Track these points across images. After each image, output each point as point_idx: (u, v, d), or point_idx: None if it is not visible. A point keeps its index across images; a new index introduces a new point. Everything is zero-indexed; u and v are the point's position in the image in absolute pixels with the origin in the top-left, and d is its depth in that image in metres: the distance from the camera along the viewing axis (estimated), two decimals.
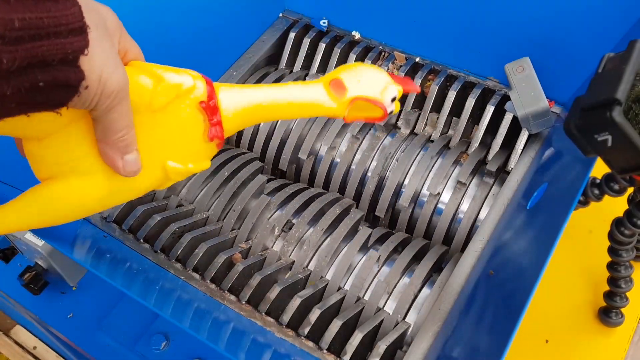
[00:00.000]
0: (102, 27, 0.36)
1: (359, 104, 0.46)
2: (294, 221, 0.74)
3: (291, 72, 0.92)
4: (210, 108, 0.43)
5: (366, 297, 0.69)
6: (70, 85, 0.34)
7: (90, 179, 0.41)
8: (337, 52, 0.88)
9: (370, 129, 0.83)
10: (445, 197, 0.76)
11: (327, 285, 0.69)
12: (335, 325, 0.62)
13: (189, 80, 0.42)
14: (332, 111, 0.46)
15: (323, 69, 0.90)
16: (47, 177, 0.41)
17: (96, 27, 0.35)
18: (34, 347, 0.99)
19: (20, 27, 0.31)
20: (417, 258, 0.71)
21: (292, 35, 0.91)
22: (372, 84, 0.46)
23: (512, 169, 0.75)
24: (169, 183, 0.45)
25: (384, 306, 0.67)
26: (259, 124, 0.87)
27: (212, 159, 0.47)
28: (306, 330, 0.62)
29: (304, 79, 0.90)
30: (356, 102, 0.45)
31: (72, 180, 0.41)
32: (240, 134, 0.89)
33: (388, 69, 0.85)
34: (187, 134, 0.43)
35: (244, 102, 0.44)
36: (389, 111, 0.46)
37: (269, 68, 0.93)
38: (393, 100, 0.46)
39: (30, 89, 0.33)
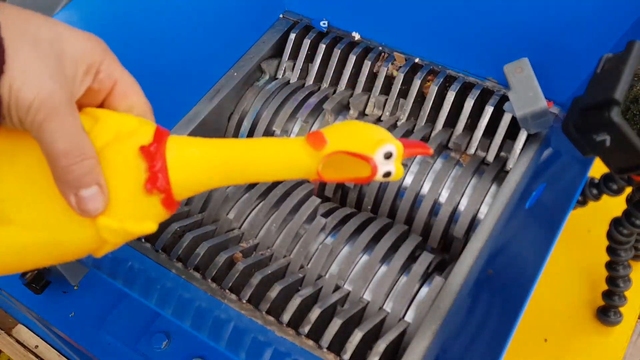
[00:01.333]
0: (30, 42, 0.33)
1: (340, 160, 0.37)
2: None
3: (294, 66, 0.92)
4: (151, 153, 0.36)
5: (366, 296, 0.69)
6: None
7: (11, 229, 0.35)
8: (337, 53, 0.88)
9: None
10: (444, 196, 0.76)
11: (327, 284, 0.70)
12: (336, 324, 0.62)
13: (132, 122, 0.36)
14: (306, 168, 0.38)
15: (323, 69, 0.90)
16: None
17: (22, 41, 0.32)
18: (36, 346, 1.00)
19: None
20: (415, 256, 0.71)
21: (292, 36, 0.92)
22: (360, 138, 0.37)
23: (510, 169, 0.75)
24: (105, 247, 0.39)
25: (383, 305, 0.68)
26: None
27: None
28: (306, 329, 0.63)
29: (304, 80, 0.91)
30: (335, 156, 0.37)
31: None
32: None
33: (388, 69, 0.86)
34: (124, 185, 0.36)
35: (198, 156, 0.38)
36: (380, 171, 0.37)
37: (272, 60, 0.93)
38: (388, 157, 0.37)
39: None
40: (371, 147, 0.37)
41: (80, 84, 0.36)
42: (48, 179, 0.35)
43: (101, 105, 0.40)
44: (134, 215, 0.37)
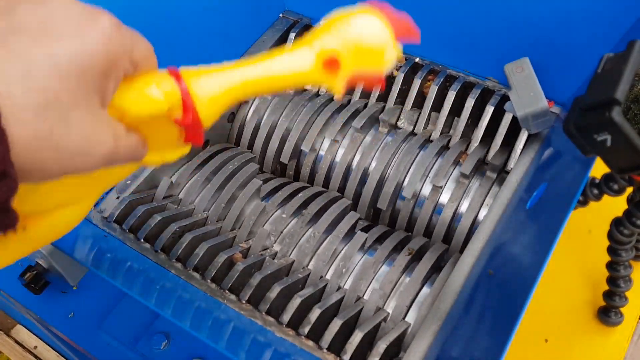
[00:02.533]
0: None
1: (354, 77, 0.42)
2: (291, 222, 0.75)
3: None
4: (185, 125, 0.38)
5: (366, 297, 0.69)
6: (4, 228, 0.29)
7: (78, 207, 0.40)
8: None
9: (371, 129, 0.83)
10: (445, 196, 0.76)
11: (327, 284, 0.70)
12: (335, 325, 0.62)
13: (158, 95, 0.37)
14: (322, 83, 0.42)
15: None
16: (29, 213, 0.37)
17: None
18: (35, 347, 0.99)
19: None
20: (417, 257, 0.71)
21: (292, 35, 0.91)
22: (370, 54, 0.42)
23: (511, 169, 0.75)
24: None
25: (384, 305, 0.68)
26: (261, 121, 0.87)
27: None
28: (306, 330, 0.62)
29: None
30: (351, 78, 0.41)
31: (60, 213, 0.39)
32: (241, 131, 0.89)
33: None
34: (161, 136, 0.39)
35: (220, 88, 0.39)
36: (386, 72, 0.43)
37: None
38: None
39: None
40: (381, 61, 0.43)
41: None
42: None
43: None
44: (172, 151, 0.42)
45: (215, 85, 0.40)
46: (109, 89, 0.33)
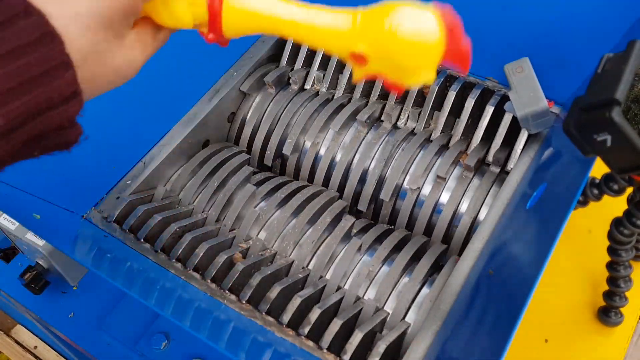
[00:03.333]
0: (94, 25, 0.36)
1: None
2: (292, 222, 0.75)
3: (292, 69, 0.92)
4: (209, 38, 0.45)
5: (366, 297, 0.69)
6: (70, 142, 0.36)
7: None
8: None
9: (371, 128, 0.83)
10: (445, 196, 0.76)
11: (327, 285, 0.70)
12: (336, 325, 0.62)
13: (189, 22, 0.44)
14: (345, 59, 0.42)
15: (323, 69, 0.90)
16: None
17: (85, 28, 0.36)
18: (35, 347, 0.99)
19: (17, 114, 0.32)
20: (417, 257, 0.71)
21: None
22: (402, 71, 0.41)
23: (511, 169, 0.75)
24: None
25: (384, 306, 0.68)
26: (262, 119, 0.87)
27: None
28: (306, 330, 0.62)
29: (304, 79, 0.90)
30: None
31: None
32: (241, 130, 0.89)
33: None
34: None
35: (256, 9, 0.42)
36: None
37: (270, 65, 0.93)
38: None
39: (32, 154, 0.35)
40: (411, 79, 0.42)
41: None
42: None
43: None
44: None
45: (253, 4, 0.42)
46: (132, 20, 0.40)
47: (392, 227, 0.79)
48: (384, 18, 0.40)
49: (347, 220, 0.74)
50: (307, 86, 0.91)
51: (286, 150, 0.84)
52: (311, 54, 0.91)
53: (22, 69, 0.31)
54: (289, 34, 0.43)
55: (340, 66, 0.88)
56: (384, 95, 0.86)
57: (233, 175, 0.79)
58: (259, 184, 0.79)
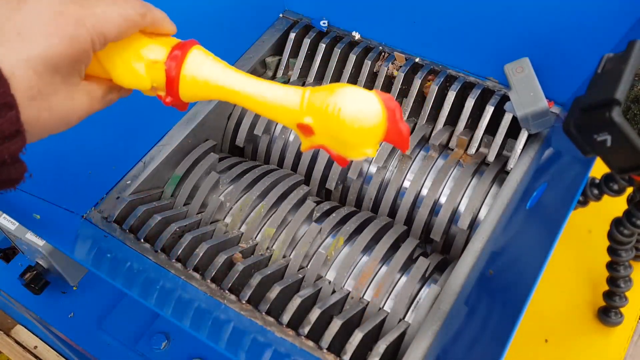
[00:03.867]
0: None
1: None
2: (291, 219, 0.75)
3: (294, 64, 0.92)
4: (170, 103, 0.45)
5: (366, 297, 0.69)
6: (14, 180, 0.37)
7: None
8: (337, 52, 0.88)
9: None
10: (445, 196, 0.76)
11: (327, 285, 0.70)
12: (335, 325, 0.62)
13: (146, 84, 0.44)
14: (293, 129, 0.44)
15: (323, 69, 0.90)
16: None
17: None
18: (35, 347, 0.99)
19: None
20: (415, 257, 0.71)
21: (292, 35, 0.92)
22: (346, 143, 0.42)
23: (511, 169, 0.75)
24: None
25: (384, 305, 0.68)
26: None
27: None
28: (306, 330, 0.62)
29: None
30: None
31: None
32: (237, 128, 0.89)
33: (388, 69, 0.85)
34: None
35: (212, 79, 0.44)
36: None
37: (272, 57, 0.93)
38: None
39: None
40: (353, 154, 0.43)
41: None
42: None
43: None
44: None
45: (209, 74, 0.44)
46: (82, 68, 0.41)
47: (392, 220, 0.79)
48: (328, 98, 0.42)
49: (346, 218, 0.74)
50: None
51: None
52: (311, 54, 0.91)
53: None
54: (242, 103, 0.45)
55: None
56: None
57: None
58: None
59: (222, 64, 0.45)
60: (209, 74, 0.44)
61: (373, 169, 0.81)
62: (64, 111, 0.40)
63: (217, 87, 0.44)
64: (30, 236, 0.77)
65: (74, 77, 0.41)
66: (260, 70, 0.93)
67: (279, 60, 0.93)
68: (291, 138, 0.86)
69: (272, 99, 0.43)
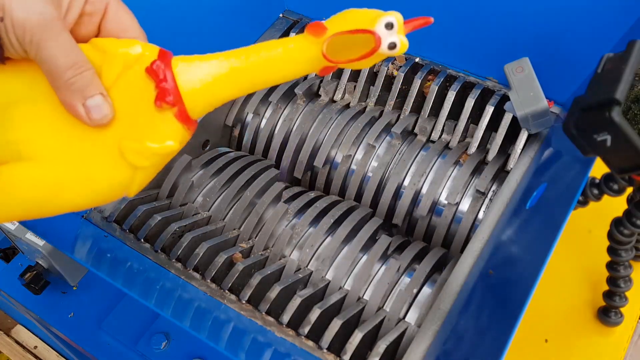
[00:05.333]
0: None
1: (344, 43, 0.38)
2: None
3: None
4: (155, 71, 0.38)
5: (366, 297, 0.69)
6: None
7: (34, 166, 0.37)
8: None
9: (386, 136, 0.83)
10: (444, 197, 0.76)
11: (327, 285, 0.70)
12: (336, 325, 0.62)
13: (137, 49, 0.38)
14: (313, 57, 0.39)
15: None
16: None
17: None
18: (35, 347, 0.99)
19: None
20: (418, 258, 0.71)
21: (292, 35, 0.91)
22: (358, 17, 0.39)
23: (511, 168, 0.75)
24: (136, 177, 0.39)
25: (383, 305, 0.68)
26: (260, 126, 0.87)
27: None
28: (306, 330, 0.62)
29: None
30: (339, 40, 0.38)
31: (15, 166, 0.37)
32: (255, 141, 0.88)
33: (388, 69, 0.85)
34: (138, 106, 0.38)
35: (206, 74, 0.40)
36: (385, 42, 0.39)
37: None
38: (390, 28, 0.39)
39: None
40: (370, 21, 0.39)
41: (73, 7, 0.39)
42: (60, 112, 0.37)
43: (99, 34, 0.42)
44: (153, 134, 0.38)
45: (203, 76, 0.40)
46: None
47: (396, 224, 0.79)
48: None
49: (352, 220, 0.74)
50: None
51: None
52: None
53: None
54: (259, 79, 0.40)
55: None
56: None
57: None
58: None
59: (206, 58, 0.40)
60: (207, 73, 0.40)
61: (375, 163, 0.81)
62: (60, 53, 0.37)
63: (222, 79, 0.40)
64: (30, 236, 0.77)
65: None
66: None
67: None
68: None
69: (289, 50, 0.39)
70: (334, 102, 0.88)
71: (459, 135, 0.80)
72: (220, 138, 0.89)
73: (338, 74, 0.89)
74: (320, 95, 0.89)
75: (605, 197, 0.70)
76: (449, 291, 0.64)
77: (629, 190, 0.69)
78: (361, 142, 0.83)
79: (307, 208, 0.75)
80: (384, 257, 0.71)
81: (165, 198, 0.78)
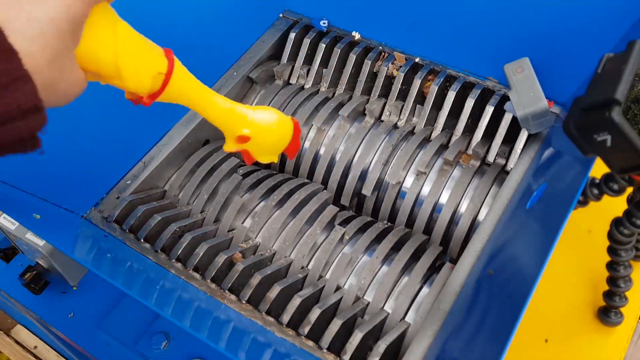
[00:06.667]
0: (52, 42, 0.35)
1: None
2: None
3: (293, 67, 0.92)
4: (143, 103, 0.48)
5: (366, 297, 0.69)
6: (25, 150, 0.35)
7: None
8: (337, 52, 0.88)
9: (386, 136, 0.83)
10: (445, 196, 0.76)
11: (327, 284, 0.70)
12: (335, 325, 0.62)
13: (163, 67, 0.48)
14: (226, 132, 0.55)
15: (323, 69, 0.90)
16: None
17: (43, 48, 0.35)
18: (35, 347, 0.99)
19: None
20: (417, 258, 0.71)
21: (292, 35, 0.92)
22: (268, 149, 0.56)
23: (511, 169, 0.75)
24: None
25: (384, 306, 0.68)
26: None
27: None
28: (306, 330, 0.62)
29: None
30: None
31: None
32: None
33: (388, 69, 0.85)
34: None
35: (185, 89, 0.51)
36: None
37: (272, 62, 0.93)
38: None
39: None
40: (267, 159, 0.57)
41: None
42: None
43: None
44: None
45: (187, 86, 0.51)
46: (79, 35, 0.39)
47: (391, 224, 0.79)
48: (266, 114, 0.56)
49: (347, 217, 0.74)
50: (292, 81, 0.92)
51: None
52: (311, 54, 0.91)
53: None
54: (202, 112, 0.53)
55: (340, 65, 0.88)
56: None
57: (219, 166, 0.79)
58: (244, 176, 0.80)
59: (192, 77, 0.52)
60: (186, 86, 0.51)
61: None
62: (72, 80, 0.39)
63: (188, 97, 0.51)
64: (30, 236, 0.77)
65: (75, 43, 0.39)
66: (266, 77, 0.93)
67: (278, 62, 0.93)
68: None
69: (226, 112, 0.53)
70: (316, 92, 0.88)
71: (459, 135, 0.80)
72: (221, 138, 0.89)
73: (338, 74, 0.89)
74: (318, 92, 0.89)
75: (605, 197, 0.70)
76: (449, 291, 0.63)
77: (629, 190, 0.69)
78: (377, 150, 0.82)
79: (303, 204, 0.75)
80: (384, 257, 0.71)
81: (164, 197, 0.78)
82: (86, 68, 0.42)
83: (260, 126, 0.55)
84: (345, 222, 0.75)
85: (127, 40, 0.44)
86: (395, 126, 0.84)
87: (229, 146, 0.55)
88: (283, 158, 0.87)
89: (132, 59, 0.44)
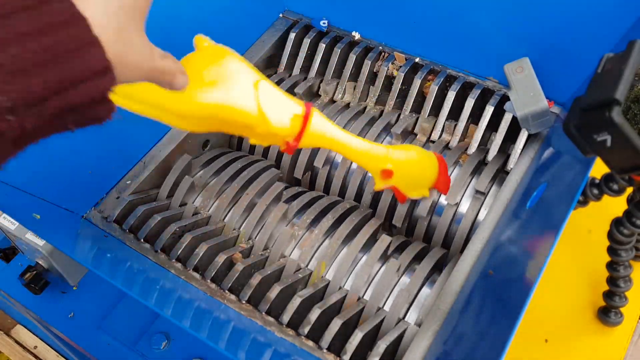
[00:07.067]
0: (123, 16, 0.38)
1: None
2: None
3: (290, 75, 0.92)
4: (290, 148, 0.52)
5: (366, 297, 0.69)
6: (102, 118, 0.37)
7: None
8: (337, 52, 0.88)
9: (386, 136, 0.83)
10: (444, 197, 0.76)
11: (327, 284, 0.70)
12: (335, 325, 0.62)
13: (289, 132, 0.52)
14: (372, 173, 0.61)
15: (323, 69, 0.90)
16: None
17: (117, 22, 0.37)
18: (35, 347, 0.99)
19: (50, 84, 0.33)
20: (418, 258, 0.71)
21: (292, 35, 0.92)
22: (415, 186, 0.63)
23: (511, 169, 0.75)
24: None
25: (383, 305, 0.68)
26: None
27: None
28: (306, 330, 0.62)
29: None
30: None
31: None
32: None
33: (388, 69, 0.85)
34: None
35: (324, 134, 0.54)
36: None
37: (269, 71, 0.93)
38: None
39: (67, 126, 0.37)
40: (415, 194, 0.64)
41: None
42: None
43: None
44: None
45: (326, 130, 0.55)
46: (147, 13, 0.42)
47: (391, 230, 0.79)
48: (406, 152, 0.62)
49: (351, 219, 0.74)
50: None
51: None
52: (311, 54, 0.91)
53: (56, 43, 0.34)
54: (345, 153, 0.58)
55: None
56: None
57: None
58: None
59: (331, 122, 0.56)
60: (326, 129, 0.54)
61: None
62: (141, 53, 0.40)
63: (329, 139, 0.55)
64: (30, 236, 0.77)
65: (142, 21, 0.41)
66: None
67: (279, 61, 0.93)
68: None
69: (368, 151, 0.58)
70: (334, 102, 0.88)
71: (459, 136, 0.80)
72: (221, 138, 0.89)
73: (338, 74, 0.89)
74: (320, 95, 0.89)
75: (605, 197, 0.70)
76: (449, 291, 0.63)
77: (629, 190, 0.69)
78: None
79: (307, 208, 0.75)
80: (384, 257, 0.71)
81: (165, 198, 0.78)
82: (226, 120, 0.48)
83: (400, 161, 0.59)
84: (339, 221, 0.75)
85: (267, 89, 0.50)
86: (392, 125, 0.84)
87: (378, 185, 0.60)
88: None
89: (273, 104, 0.50)
